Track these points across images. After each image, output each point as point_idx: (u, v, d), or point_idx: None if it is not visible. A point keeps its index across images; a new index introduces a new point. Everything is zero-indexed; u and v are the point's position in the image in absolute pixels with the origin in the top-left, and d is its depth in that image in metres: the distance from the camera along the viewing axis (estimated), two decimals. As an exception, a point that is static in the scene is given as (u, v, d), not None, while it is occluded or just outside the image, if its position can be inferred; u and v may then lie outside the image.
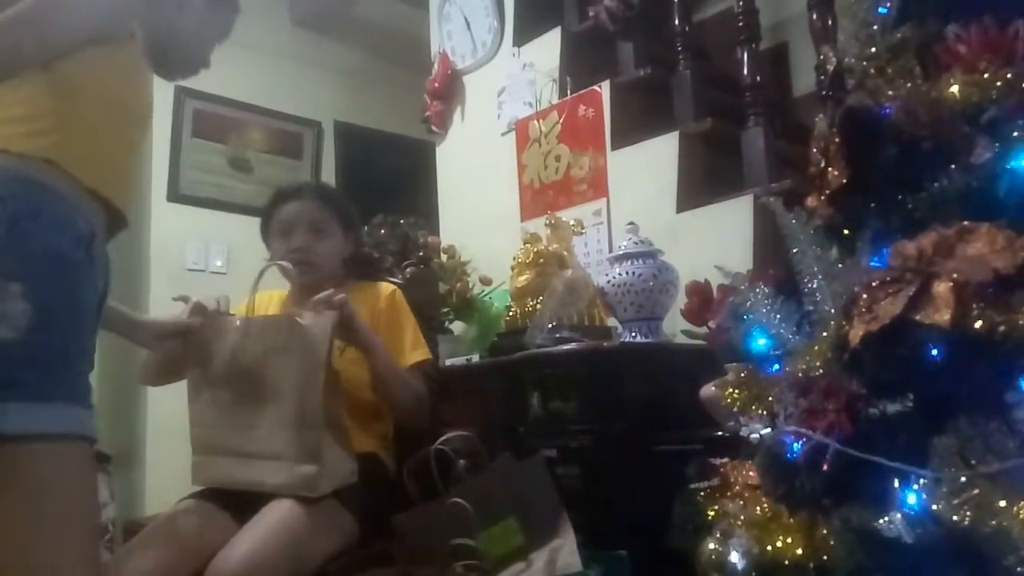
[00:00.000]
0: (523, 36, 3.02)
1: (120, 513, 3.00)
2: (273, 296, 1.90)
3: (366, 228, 2.36)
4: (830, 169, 1.09)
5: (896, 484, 0.85)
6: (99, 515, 1.11)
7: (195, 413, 1.61)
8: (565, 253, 2.29)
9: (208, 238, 3.50)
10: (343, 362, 1.65)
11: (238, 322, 1.60)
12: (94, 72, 1.11)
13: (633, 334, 2.03)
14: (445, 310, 2.53)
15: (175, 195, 3.48)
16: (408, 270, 2.48)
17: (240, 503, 1.50)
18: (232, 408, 1.55)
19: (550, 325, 1.99)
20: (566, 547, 1.56)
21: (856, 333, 0.93)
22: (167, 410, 3.27)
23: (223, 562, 1.35)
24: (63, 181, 1.07)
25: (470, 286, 2.59)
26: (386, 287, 1.89)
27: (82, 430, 1.02)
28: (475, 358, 2.33)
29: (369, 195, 2.90)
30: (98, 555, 1.09)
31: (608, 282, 2.04)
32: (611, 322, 2.17)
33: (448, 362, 2.29)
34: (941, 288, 0.87)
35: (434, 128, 3.29)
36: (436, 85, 3.24)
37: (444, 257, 2.62)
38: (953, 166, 0.97)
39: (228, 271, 3.44)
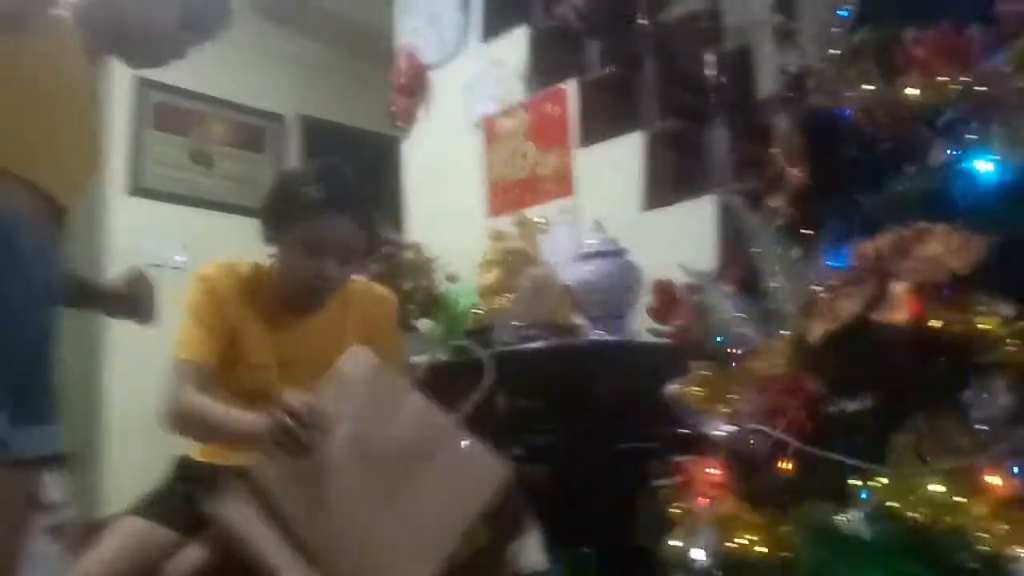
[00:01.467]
0: (490, 32, 3.01)
1: (79, 513, 2.94)
2: (234, 275, 1.60)
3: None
4: (792, 170, 1.10)
5: (855, 481, 0.86)
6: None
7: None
8: (532, 251, 2.29)
9: (168, 232, 3.44)
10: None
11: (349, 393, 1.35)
12: (1, 55, 1.06)
13: (599, 332, 2.04)
14: (411, 307, 2.52)
15: (135, 188, 3.41)
16: (373, 266, 2.46)
17: (189, 516, 1.44)
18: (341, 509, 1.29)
19: (516, 323, 2.00)
20: (530, 545, 1.56)
21: (816, 332, 0.94)
22: (126, 409, 3.21)
23: (178, 566, 1.32)
24: None
25: (436, 283, 2.58)
26: (384, 294, 1.72)
27: None
28: (441, 356, 2.32)
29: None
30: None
31: (574, 280, 2.05)
32: (577, 320, 2.17)
33: (413, 359, 2.28)
34: (899, 288, 0.89)
35: (399, 123, 3.27)
36: (401, 80, 3.22)
37: (410, 254, 2.61)
38: (911, 167, 0.99)
39: (189, 266, 3.38)
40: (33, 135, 1.10)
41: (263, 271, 1.62)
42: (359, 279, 1.73)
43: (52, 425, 1.17)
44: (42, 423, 1.14)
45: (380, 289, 1.73)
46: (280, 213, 1.54)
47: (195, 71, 3.48)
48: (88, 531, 2.72)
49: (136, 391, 3.21)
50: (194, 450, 1.61)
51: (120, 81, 3.36)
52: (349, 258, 1.54)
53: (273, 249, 1.58)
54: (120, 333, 3.21)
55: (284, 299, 1.59)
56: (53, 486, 2.81)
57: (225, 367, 1.57)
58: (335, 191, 1.51)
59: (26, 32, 1.08)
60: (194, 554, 1.35)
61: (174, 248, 3.43)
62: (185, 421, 1.48)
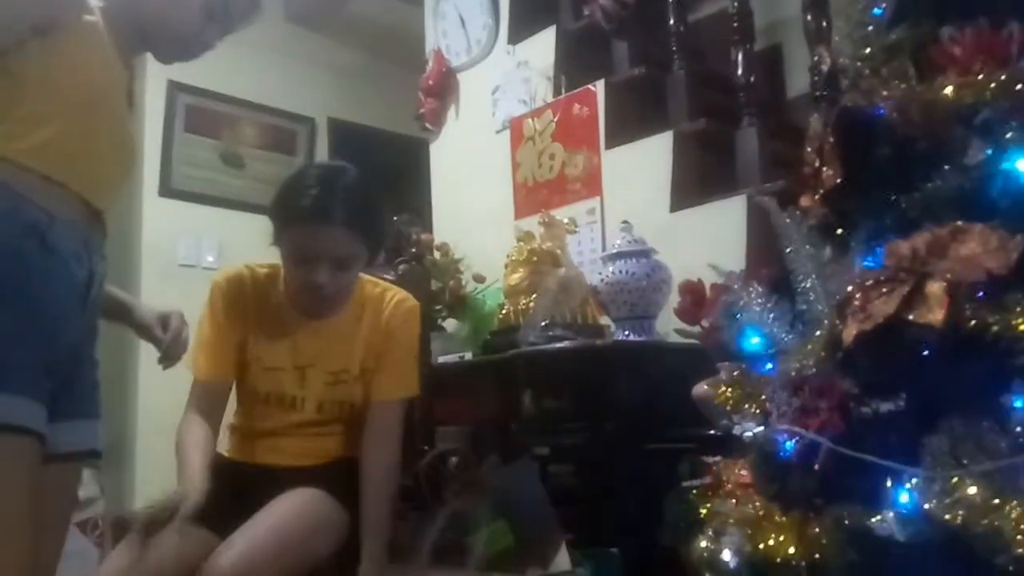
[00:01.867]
0: (518, 34, 3.01)
1: (109, 509, 2.99)
2: (249, 279, 1.62)
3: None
4: (824, 169, 1.09)
5: (888, 483, 0.85)
6: (22, 507, 1.02)
7: None
8: (559, 251, 2.29)
9: (200, 233, 3.48)
10: (336, 388, 1.61)
11: None
12: (39, 62, 1.07)
13: (626, 333, 2.03)
14: (438, 307, 2.53)
15: (167, 190, 3.46)
16: (401, 267, 2.47)
17: (223, 514, 1.46)
18: None
19: (543, 323, 2.00)
20: (556, 546, 1.56)
21: (849, 332, 0.93)
22: (158, 405, 3.26)
23: (216, 562, 1.34)
24: (7, 173, 1.04)
25: (463, 284, 2.59)
26: (401, 299, 1.65)
27: (5, 419, 0.98)
28: (468, 356, 2.33)
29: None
30: (21, 552, 1.02)
31: (601, 280, 2.05)
32: (604, 321, 2.17)
33: (441, 359, 2.29)
34: (934, 288, 0.87)
35: (428, 125, 3.29)
36: (430, 82, 3.24)
37: (437, 254, 2.62)
38: (947, 167, 0.97)
39: (219, 267, 3.43)
40: (68, 139, 1.11)
41: (281, 272, 1.62)
42: (378, 282, 1.70)
43: (91, 421, 1.19)
44: (81, 418, 1.16)
45: (399, 294, 1.67)
46: (277, 218, 1.53)
47: (226, 74, 3.52)
48: (119, 527, 2.76)
49: (168, 389, 3.25)
50: (224, 449, 1.64)
51: (152, 84, 3.41)
52: (344, 265, 1.51)
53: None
54: (152, 332, 3.26)
55: (300, 302, 1.59)
56: (85, 482, 2.86)
57: (241, 369, 1.61)
58: (325, 200, 1.47)
59: (61, 38, 1.10)
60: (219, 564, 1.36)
61: (206, 249, 3.48)
62: (175, 446, 1.53)
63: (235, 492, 1.51)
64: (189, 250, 3.45)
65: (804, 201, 1.15)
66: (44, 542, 1.11)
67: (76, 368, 1.14)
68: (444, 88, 3.23)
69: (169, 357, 1.40)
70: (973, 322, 0.85)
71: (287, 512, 1.43)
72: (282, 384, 1.59)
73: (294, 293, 1.57)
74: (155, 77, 3.37)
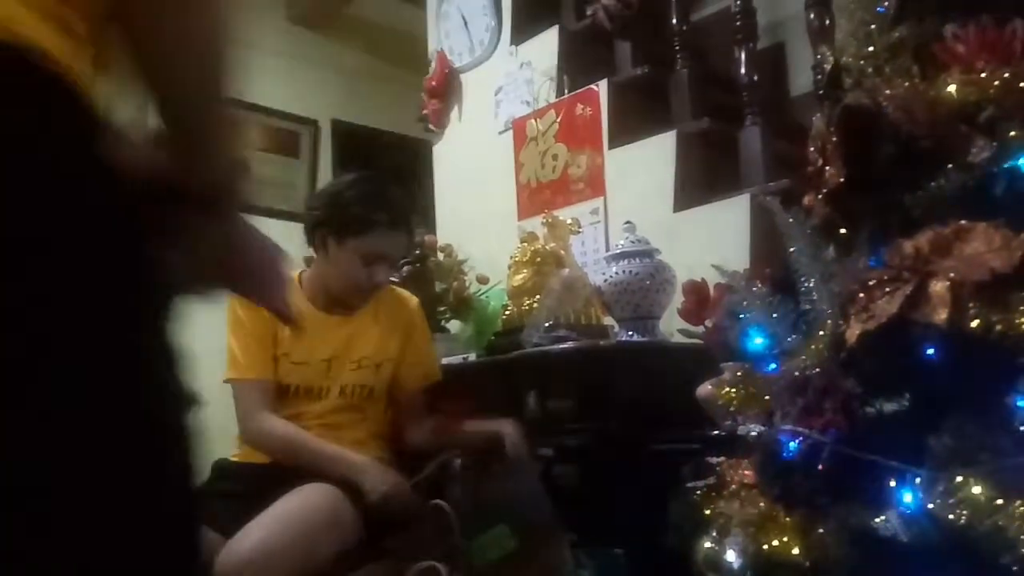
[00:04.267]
0: (521, 35, 3.01)
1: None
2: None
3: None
4: (827, 168, 1.09)
5: (892, 483, 0.85)
6: None
7: None
8: (562, 252, 2.29)
9: (204, 236, 3.49)
10: (358, 372, 1.71)
11: None
12: None
13: (630, 333, 2.03)
14: (442, 309, 2.53)
15: (171, 193, 3.47)
16: (405, 269, 2.47)
17: (228, 516, 1.47)
18: None
19: (547, 324, 1.99)
20: (558, 548, 1.56)
21: (853, 332, 0.93)
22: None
23: (232, 551, 1.34)
24: None
25: (467, 285, 2.59)
26: (412, 299, 1.91)
27: None
28: (472, 357, 2.32)
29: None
30: None
31: (605, 281, 2.04)
32: (608, 321, 2.16)
33: (445, 361, 2.29)
34: (938, 287, 0.87)
35: (431, 127, 3.28)
36: (433, 84, 3.24)
37: (441, 256, 2.62)
38: (950, 165, 0.97)
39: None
40: None
41: (296, 276, 1.76)
42: None
43: None
44: None
45: (404, 292, 1.92)
46: (340, 228, 1.68)
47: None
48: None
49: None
50: (233, 454, 1.65)
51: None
52: (396, 264, 1.80)
53: (315, 254, 1.74)
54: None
55: (321, 300, 1.74)
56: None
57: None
58: (394, 212, 1.70)
59: None
60: (237, 552, 1.36)
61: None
62: (273, 445, 1.63)
63: (245, 494, 1.52)
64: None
65: (807, 201, 1.15)
66: None
67: None
68: (447, 89, 3.23)
69: None
70: (977, 321, 0.84)
71: (303, 504, 1.44)
72: (309, 376, 1.70)
73: (341, 291, 1.73)
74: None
